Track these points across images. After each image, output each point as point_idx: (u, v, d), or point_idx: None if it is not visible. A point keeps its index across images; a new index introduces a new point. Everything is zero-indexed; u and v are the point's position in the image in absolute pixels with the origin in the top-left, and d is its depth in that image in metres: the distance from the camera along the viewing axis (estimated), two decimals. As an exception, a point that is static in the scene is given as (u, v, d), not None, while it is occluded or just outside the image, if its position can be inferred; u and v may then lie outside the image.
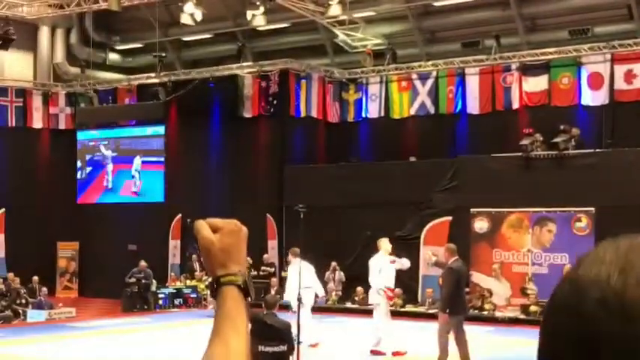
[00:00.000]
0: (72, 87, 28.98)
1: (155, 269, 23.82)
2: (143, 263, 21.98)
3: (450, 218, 21.22)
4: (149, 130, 28.15)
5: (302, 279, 12.74)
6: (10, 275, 23.22)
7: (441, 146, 23.29)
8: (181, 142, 27.42)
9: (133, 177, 28.40)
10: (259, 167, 25.76)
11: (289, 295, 14.16)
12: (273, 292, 20.59)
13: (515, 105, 22.81)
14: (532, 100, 22.59)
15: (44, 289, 22.41)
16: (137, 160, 28.29)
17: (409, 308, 20.56)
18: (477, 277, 20.86)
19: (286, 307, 13.23)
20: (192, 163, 26.82)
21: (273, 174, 25.21)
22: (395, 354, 13.86)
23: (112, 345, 14.05)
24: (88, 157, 29.27)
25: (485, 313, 19.56)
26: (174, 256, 26.33)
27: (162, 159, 27.76)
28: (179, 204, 26.57)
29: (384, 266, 14.06)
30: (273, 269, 23.52)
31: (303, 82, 25.05)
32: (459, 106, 23.56)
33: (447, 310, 11.89)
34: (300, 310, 11.98)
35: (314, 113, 25.17)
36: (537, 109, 22.48)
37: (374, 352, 13.88)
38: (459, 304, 12.00)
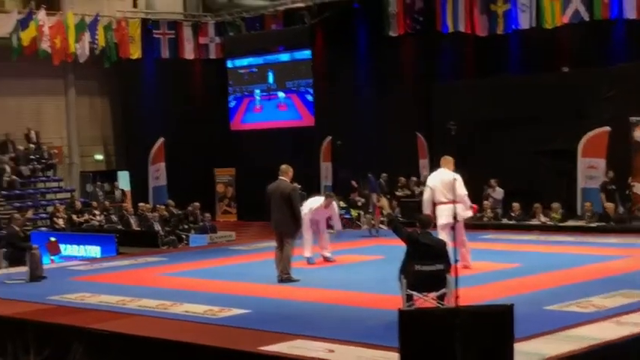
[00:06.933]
0: (220, 16, 29.45)
1: (308, 191, 24.16)
2: (297, 185, 22.23)
3: (608, 128, 20.45)
4: (296, 55, 28.33)
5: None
6: (170, 202, 24.18)
7: (596, 55, 22.31)
8: (328, 64, 27.47)
9: (282, 102, 28.75)
10: (407, 86, 25.51)
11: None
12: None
13: (678, 6, 21.52)
14: (695, 0, 21.24)
15: (207, 215, 23.14)
16: (285, 85, 28.59)
17: (570, 223, 19.97)
18: (638, 188, 20.12)
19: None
20: (339, 86, 26.87)
21: (421, 92, 24.92)
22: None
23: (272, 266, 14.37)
24: (237, 84, 29.77)
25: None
26: (326, 178, 26.62)
27: (310, 82, 27.94)
28: (328, 126, 26.76)
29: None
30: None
31: (450, -4, 24.46)
32: (616, 11, 22.40)
33: None
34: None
35: (462, 28, 24.53)
36: (701, 8, 21.17)
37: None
38: None
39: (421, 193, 22.47)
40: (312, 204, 15.31)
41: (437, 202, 13.08)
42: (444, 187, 12.96)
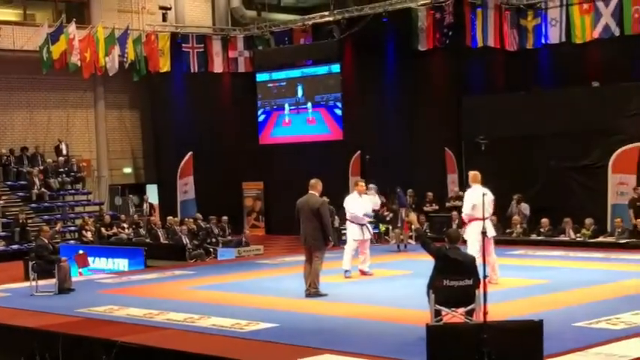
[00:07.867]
0: (249, 30, 29.56)
1: (337, 205, 24.11)
2: (326, 199, 22.22)
3: (639, 144, 20.26)
4: (325, 69, 28.37)
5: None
6: (199, 215, 24.23)
7: (627, 70, 22.15)
8: (357, 78, 27.48)
9: (310, 116, 28.77)
10: (436, 100, 25.40)
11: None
12: (454, 225, 20.42)
13: None
14: None
15: (247, 231, 23.13)
16: (314, 99, 28.62)
17: (600, 239, 19.75)
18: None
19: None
20: (368, 100, 26.86)
21: (450, 107, 24.81)
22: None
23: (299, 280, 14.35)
24: (266, 98, 29.84)
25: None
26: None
27: (338, 96, 27.95)
28: (357, 140, 26.72)
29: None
30: (461, 203, 23.14)
31: (479, 10, 24.37)
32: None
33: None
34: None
35: (491, 42, 24.48)
36: None
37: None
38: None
39: (452, 209, 22.48)
40: (348, 206, 15.59)
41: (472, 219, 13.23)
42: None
